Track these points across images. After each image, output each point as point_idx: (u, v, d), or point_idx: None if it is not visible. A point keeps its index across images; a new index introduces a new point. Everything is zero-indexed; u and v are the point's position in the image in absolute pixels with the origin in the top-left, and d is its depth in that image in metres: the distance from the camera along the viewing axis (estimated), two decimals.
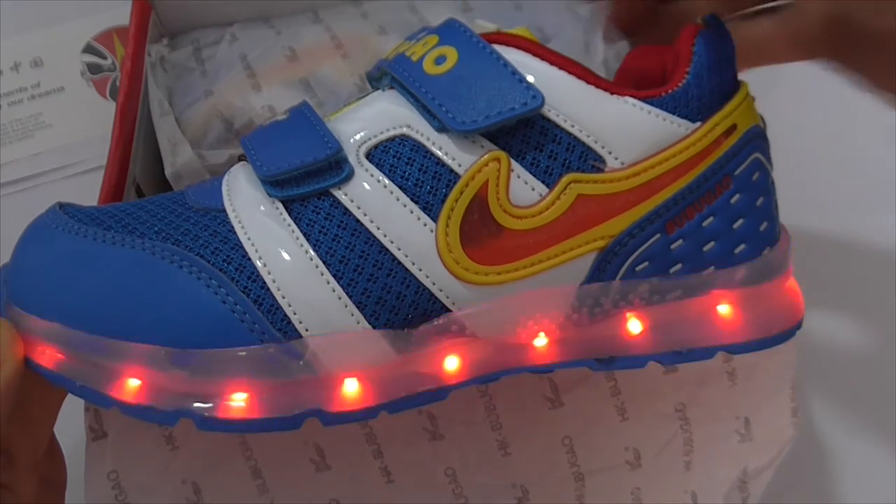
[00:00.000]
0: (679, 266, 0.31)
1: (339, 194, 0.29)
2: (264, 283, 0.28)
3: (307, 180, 0.29)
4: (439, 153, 0.29)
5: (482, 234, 0.29)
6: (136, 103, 0.43)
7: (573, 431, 0.36)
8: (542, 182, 0.29)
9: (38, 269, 0.29)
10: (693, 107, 0.30)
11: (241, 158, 0.32)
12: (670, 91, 0.30)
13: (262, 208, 0.29)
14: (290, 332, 0.28)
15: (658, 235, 0.30)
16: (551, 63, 0.30)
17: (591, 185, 0.29)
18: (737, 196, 0.31)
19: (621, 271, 0.30)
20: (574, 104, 0.29)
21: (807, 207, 0.42)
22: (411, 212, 0.29)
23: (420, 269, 0.29)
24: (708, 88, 0.30)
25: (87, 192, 0.39)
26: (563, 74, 0.29)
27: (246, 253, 0.28)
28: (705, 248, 0.31)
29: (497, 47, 0.30)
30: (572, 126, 0.29)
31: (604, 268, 0.30)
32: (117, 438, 0.34)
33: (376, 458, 0.35)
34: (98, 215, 0.30)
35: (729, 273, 0.31)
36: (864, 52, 0.31)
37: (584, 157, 0.29)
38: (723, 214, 0.31)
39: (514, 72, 0.29)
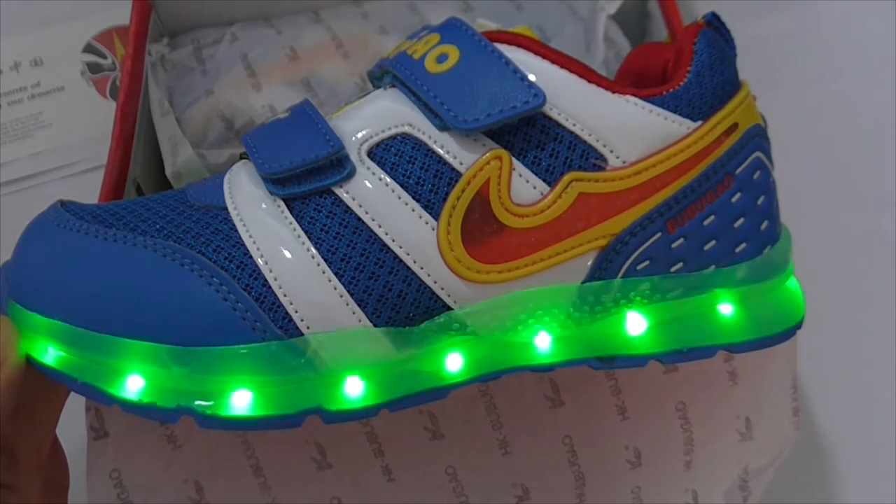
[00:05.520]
0: (680, 265, 0.31)
1: (341, 192, 0.29)
2: (266, 281, 0.28)
3: (309, 178, 0.29)
4: (441, 151, 0.29)
5: (483, 233, 0.29)
6: (137, 103, 0.43)
7: (573, 430, 0.36)
8: (544, 180, 0.29)
9: (39, 267, 0.29)
10: (694, 106, 0.30)
11: (242, 157, 0.32)
12: (671, 90, 0.30)
13: (264, 206, 0.29)
14: (291, 330, 0.28)
15: (659, 234, 0.30)
16: (553, 62, 0.30)
17: (592, 183, 0.29)
18: (738, 195, 0.31)
19: (622, 270, 0.30)
20: (576, 103, 0.29)
21: (807, 207, 0.42)
22: (413, 210, 0.29)
23: (421, 268, 0.29)
24: (709, 87, 0.30)
25: (88, 192, 0.39)
26: (564, 73, 0.29)
27: (248, 251, 0.28)
28: (706, 247, 0.31)
29: (499, 46, 0.30)
30: (574, 125, 0.29)
31: (605, 266, 0.30)
32: (119, 437, 0.34)
33: (377, 457, 0.35)
34: (100, 213, 0.30)
35: (730, 272, 0.31)
36: None
37: (586, 156, 0.29)
38: (724, 213, 0.31)
39: (516, 70, 0.29)
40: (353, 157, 0.29)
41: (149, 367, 0.28)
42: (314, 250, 0.28)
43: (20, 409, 0.29)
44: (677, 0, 0.44)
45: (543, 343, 0.30)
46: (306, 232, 0.29)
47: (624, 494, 0.37)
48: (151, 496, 0.34)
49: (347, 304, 0.28)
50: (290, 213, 0.29)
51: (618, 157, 0.29)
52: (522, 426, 0.36)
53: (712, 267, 0.31)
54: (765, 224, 0.32)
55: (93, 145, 0.53)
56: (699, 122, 0.30)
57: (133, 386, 0.27)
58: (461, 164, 0.29)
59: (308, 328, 0.28)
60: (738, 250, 0.31)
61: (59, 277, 0.28)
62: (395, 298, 0.29)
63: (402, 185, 0.29)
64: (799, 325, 0.32)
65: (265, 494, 0.35)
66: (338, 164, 0.29)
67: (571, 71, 0.30)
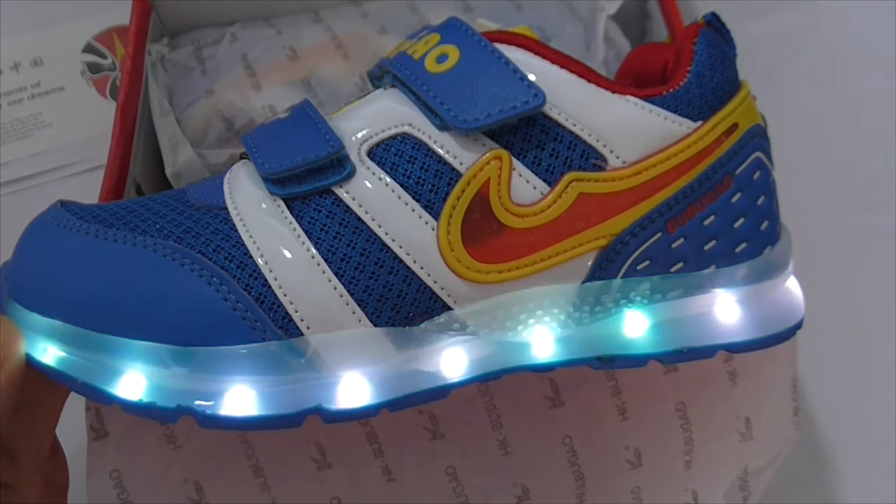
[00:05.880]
0: (680, 265, 0.31)
1: (341, 192, 0.29)
2: (266, 280, 0.28)
3: (309, 178, 0.29)
4: (441, 151, 0.29)
5: (484, 233, 0.29)
6: (137, 103, 0.43)
7: (574, 431, 0.36)
8: (544, 180, 0.29)
9: (39, 266, 0.29)
10: (694, 106, 0.30)
11: (242, 157, 0.32)
12: (672, 90, 0.30)
13: (264, 206, 0.29)
14: (291, 330, 0.28)
15: (659, 234, 0.30)
16: (553, 61, 0.30)
17: (592, 183, 0.29)
18: (738, 195, 0.31)
19: (623, 270, 0.30)
20: (576, 103, 0.29)
21: (807, 207, 0.42)
22: (413, 210, 0.29)
23: (422, 268, 0.29)
24: (709, 87, 0.30)
25: (87, 192, 0.39)
26: (564, 73, 0.29)
27: (248, 251, 0.28)
28: (706, 247, 0.31)
29: (499, 46, 0.30)
30: (574, 125, 0.29)
31: (605, 266, 0.30)
32: (119, 438, 0.34)
33: (377, 458, 0.35)
34: (100, 213, 0.30)
35: (730, 272, 0.31)
36: None
37: (586, 156, 0.29)
38: (724, 213, 0.31)
39: (516, 70, 0.29)
40: (353, 157, 0.29)
41: (149, 367, 0.28)
42: (314, 250, 0.28)
43: (20, 409, 0.29)
44: (677, 0, 0.44)
45: (543, 343, 0.30)
46: (306, 232, 0.29)
47: (624, 494, 0.37)
48: (151, 496, 0.34)
49: (347, 304, 0.28)
50: (290, 212, 0.29)
51: (618, 157, 0.29)
52: (522, 426, 0.36)
53: (712, 267, 0.31)
54: (765, 224, 0.32)
55: (93, 145, 0.53)
56: (699, 123, 0.30)
57: (133, 386, 0.27)
58: (461, 163, 0.29)
59: (308, 328, 0.28)
60: (738, 250, 0.31)
61: (59, 277, 0.28)
62: (395, 298, 0.29)
63: (402, 185, 0.29)
64: (799, 325, 0.32)
65: (265, 494, 0.35)
66: (338, 164, 0.29)
67: (571, 71, 0.30)
